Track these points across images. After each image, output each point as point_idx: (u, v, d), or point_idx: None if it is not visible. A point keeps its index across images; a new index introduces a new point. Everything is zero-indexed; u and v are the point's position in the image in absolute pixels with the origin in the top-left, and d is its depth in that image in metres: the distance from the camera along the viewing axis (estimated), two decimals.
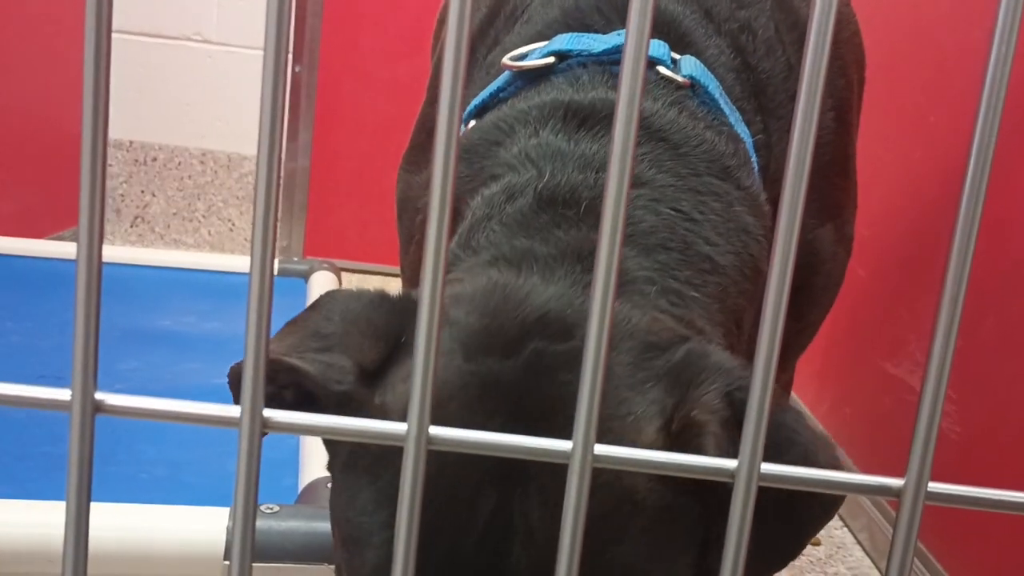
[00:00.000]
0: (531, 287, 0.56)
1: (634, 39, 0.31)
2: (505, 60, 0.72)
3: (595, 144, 0.64)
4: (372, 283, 2.34)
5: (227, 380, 0.62)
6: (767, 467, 0.38)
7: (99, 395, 0.37)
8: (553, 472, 0.50)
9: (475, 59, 0.80)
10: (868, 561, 1.39)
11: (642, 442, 0.52)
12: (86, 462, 0.37)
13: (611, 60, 0.69)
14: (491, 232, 0.61)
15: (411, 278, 0.93)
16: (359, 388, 0.55)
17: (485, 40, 0.80)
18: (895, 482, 0.38)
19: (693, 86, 0.70)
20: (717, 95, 0.71)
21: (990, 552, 1.14)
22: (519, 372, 0.52)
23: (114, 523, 0.74)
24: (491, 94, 0.72)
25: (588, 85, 0.67)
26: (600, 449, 0.38)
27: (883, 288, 1.44)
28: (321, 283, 1.48)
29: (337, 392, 0.55)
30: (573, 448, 0.37)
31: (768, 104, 0.76)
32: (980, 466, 1.15)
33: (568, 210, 0.61)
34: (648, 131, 0.65)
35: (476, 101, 0.72)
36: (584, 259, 0.58)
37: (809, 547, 1.42)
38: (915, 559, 1.33)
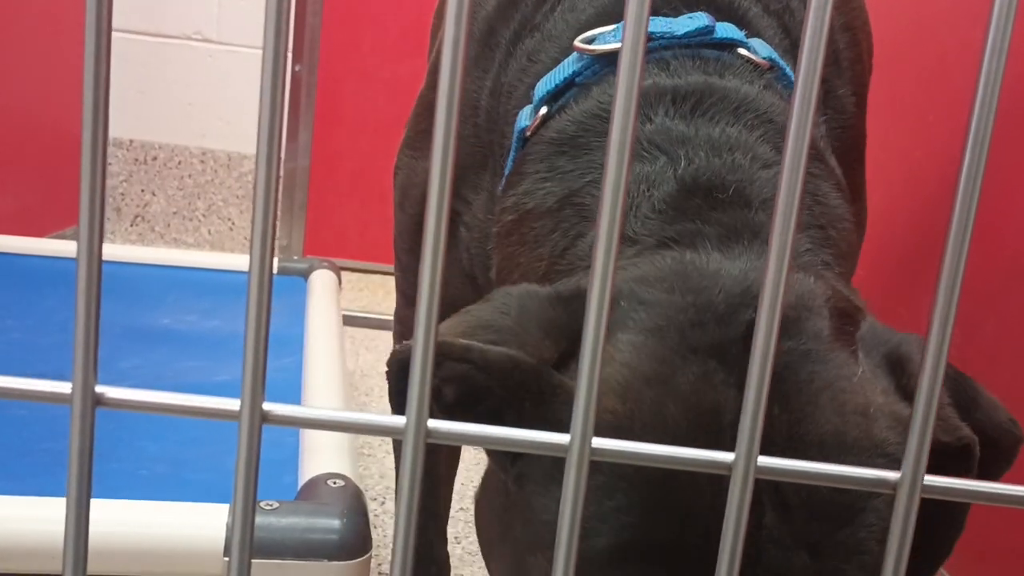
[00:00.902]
0: (719, 263, 0.54)
1: (632, 30, 0.31)
2: (577, 43, 0.69)
3: (716, 128, 0.62)
4: (372, 282, 2.35)
5: (385, 371, 0.56)
6: (764, 460, 0.38)
7: (99, 388, 0.37)
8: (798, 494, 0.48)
9: (495, 42, 0.78)
10: None
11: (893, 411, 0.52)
12: (87, 455, 0.38)
13: (696, 43, 0.67)
14: (644, 220, 0.58)
15: (409, 264, 0.91)
16: (547, 372, 0.51)
17: (508, 23, 0.77)
18: (892, 475, 0.38)
19: (772, 67, 0.69)
20: (792, 77, 0.71)
21: (987, 546, 1.14)
22: (740, 343, 0.50)
23: (115, 519, 0.74)
24: (566, 79, 0.68)
25: (682, 69, 0.66)
26: (598, 442, 0.38)
27: (882, 286, 1.45)
28: (321, 282, 1.48)
29: (518, 381, 0.50)
30: (571, 441, 0.37)
31: None
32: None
33: (720, 193, 0.59)
34: (756, 113, 0.64)
35: (548, 87, 0.69)
36: (759, 234, 0.56)
37: None
38: None
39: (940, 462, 0.53)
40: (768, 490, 0.48)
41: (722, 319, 0.51)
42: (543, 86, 0.69)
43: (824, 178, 0.66)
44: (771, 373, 0.43)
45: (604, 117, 0.64)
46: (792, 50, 0.74)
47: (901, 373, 0.55)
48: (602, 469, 0.48)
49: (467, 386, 0.51)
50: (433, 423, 0.38)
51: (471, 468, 1.41)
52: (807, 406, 0.50)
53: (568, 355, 0.52)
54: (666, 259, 0.55)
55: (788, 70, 0.69)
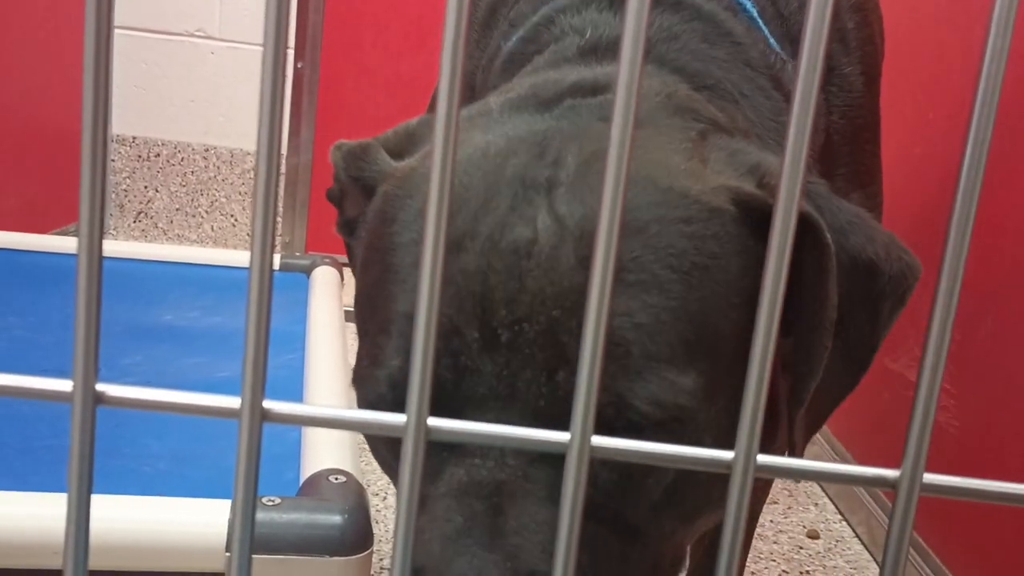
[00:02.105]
0: (574, 71, 0.66)
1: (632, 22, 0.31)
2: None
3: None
4: None
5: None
6: (763, 458, 0.38)
7: (100, 386, 0.37)
8: (587, 176, 0.55)
9: (495, 21, 0.86)
10: (867, 555, 1.40)
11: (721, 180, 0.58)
12: (87, 454, 0.38)
13: None
14: (533, 72, 0.71)
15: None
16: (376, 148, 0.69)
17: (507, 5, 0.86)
18: (891, 473, 0.38)
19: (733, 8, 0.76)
20: (756, 16, 0.77)
21: (987, 545, 1.14)
22: (550, 120, 0.60)
23: (117, 515, 0.74)
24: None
25: None
26: (598, 440, 0.38)
27: None
28: (323, 278, 1.48)
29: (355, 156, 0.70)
30: (571, 439, 0.37)
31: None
32: (978, 460, 1.15)
33: (609, 53, 0.70)
34: (691, 10, 0.73)
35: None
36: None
37: (808, 541, 1.42)
38: (913, 552, 1.33)
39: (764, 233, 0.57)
40: (551, 218, 0.54)
41: (543, 104, 0.62)
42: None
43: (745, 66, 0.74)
44: (575, 144, 0.56)
45: (549, 18, 0.76)
46: (777, 18, 0.79)
47: (760, 176, 0.59)
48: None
49: (338, 184, 0.71)
50: (433, 421, 0.38)
51: None
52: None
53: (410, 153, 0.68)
54: (531, 78, 0.68)
55: (751, 8, 0.76)
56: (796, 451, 0.61)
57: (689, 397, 0.53)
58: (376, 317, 0.57)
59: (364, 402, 0.56)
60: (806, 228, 0.57)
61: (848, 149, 0.86)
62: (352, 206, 0.73)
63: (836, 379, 0.61)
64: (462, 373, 0.52)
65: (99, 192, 0.35)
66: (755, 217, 0.57)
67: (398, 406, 0.53)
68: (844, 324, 0.59)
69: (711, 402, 0.55)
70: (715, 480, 0.57)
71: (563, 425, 0.50)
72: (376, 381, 0.55)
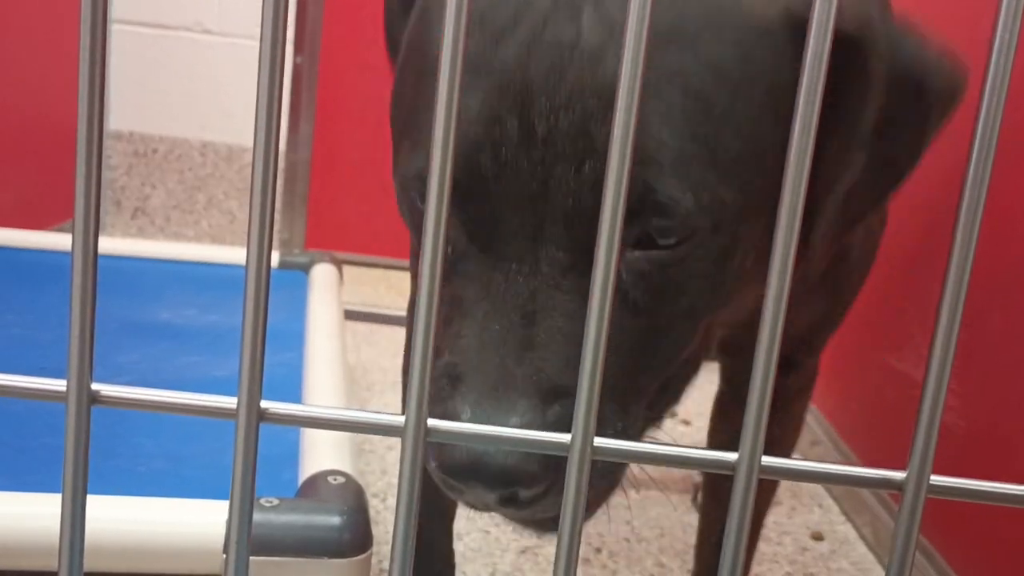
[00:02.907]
0: None
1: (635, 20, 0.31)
2: None
3: None
4: (374, 276, 2.35)
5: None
6: (768, 460, 0.38)
7: (95, 386, 0.37)
8: None
9: None
10: (872, 557, 1.39)
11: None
12: (82, 454, 0.37)
13: None
14: None
15: None
16: None
17: None
18: (897, 475, 0.38)
19: None
20: None
21: (994, 546, 1.14)
22: None
23: (113, 516, 0.74)
24: None
25: None
26: (600, 442, 0.37)
27: (888, 282, 1.44)
28: (322, 276, 1.47)
29: None
30: (572, 439, 0.37)
31: None
32: (985, 459, 1.15)
33: None
34: None
35: None
36: None
37: (812, 542, 1.42)
38: (918, 554, 1.33)
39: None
40: (601, 14, 0.53)
41: None
42: None
43: None
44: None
45: None
46: None
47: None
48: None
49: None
50: (432, 422, 0.37)
51: None
52: None
53: None
54: None
55: None
56: (819, 237, 0.62)
57: (728, 210, 0.54)
58: (413, 112, 0.60)
59: (405, 182, 0.60)
60: (853, 41, 0.57)
61: None
62: (399, 24, 0.74)
63: (871, 187, 0.63)
64: (502, 167, 0.53)
65: (94, 191, 0.34)
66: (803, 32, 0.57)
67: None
68: (886, 134, 0.60)
69: (754, 219, 0.56)
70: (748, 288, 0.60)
71: (587, 226, 0.53)
72: (417, 161, 0.58)
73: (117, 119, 2.42)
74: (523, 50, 0.53)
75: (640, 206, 0.53)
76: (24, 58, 2.01)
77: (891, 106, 0.59)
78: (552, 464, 0.52)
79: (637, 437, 0.59)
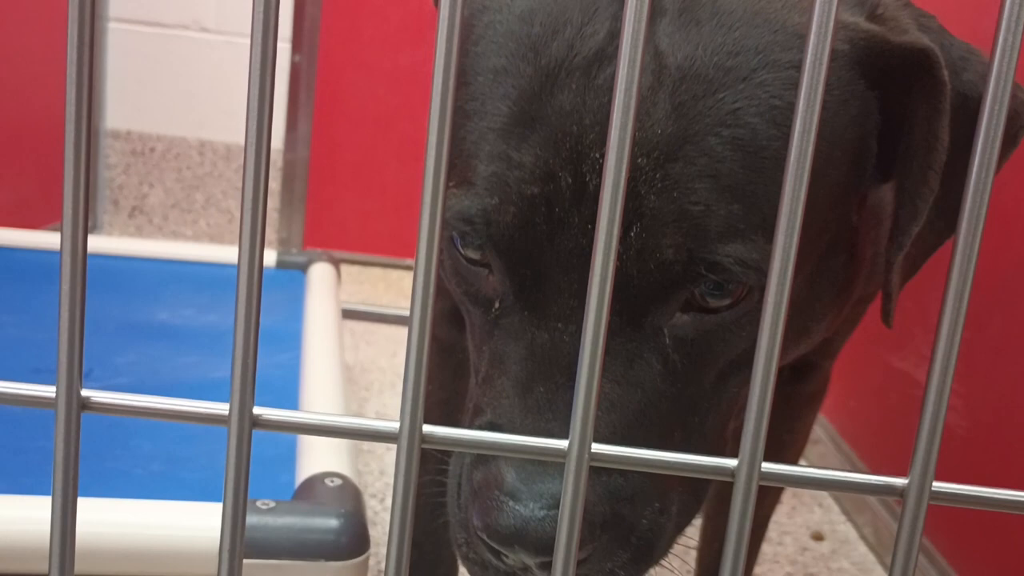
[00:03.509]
0: None
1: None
2: None
3: None
4: (372, 275, 2.34)
5: None
6: (768, 466, 0.37)
7: (85, 392, 0.36)
8: (694, 6, 0.51)
9: None
10: (872, 557, 1.39)
11: None
12: (72, 461, 0.37)
13: None
14: None
15: None
16: None
17: None
18: (899, 481, 0.37)
19: None
20: None
21: (997, 549, 1.13)
22: None
23: (109, 519, 0.73)
24: None
25: None
26: (597, 448, 0.37)
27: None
28: (320, 275, 1.47)
29: None
30: (569, 446, 0.36)
31: None
32: (986, 461, 1.15)
33: None
34: None
35: None
36: None
37: (813, 543, 1.41)
38: (920, 555, 1.32)
39: (889, 77, 0.54)
40: (650, 54, 0.51)
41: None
42: None
43: None
44: None
45: None
46: None
47: (872, 7, 0.56)
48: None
49: None
50: (428, 428, 0.37)
51: None
52: None
53: None
54: None
55: None
56: (892, 299, 0.59)
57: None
58: (458, 135, 0.56)
59: (455, 225, 0.54)
60: (921, 63, 0.54)
61: None
62: None
63: (935, 226, 0.58)
64: (556, 225, 0.51)
65: (82, 194, 0.33)
66: (869, 58, 0.54)
67: (489, 237, 0.54)
68: (951, 167, 0.56)
69: (799, 271, 0.53)
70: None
71: (633, 291, 0.52)
72: (467, 211, 0.53)
73: (114, 118, 2.41)
74: (578, 97, 0.51)
75: (684, 275, 0.51)
76: (18, 58, 2.01)
77: (954, 134, 0.55)
78: (598, 526, 0.51)
79: (672, 522, 0.57)
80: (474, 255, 0.55)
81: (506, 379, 0.53)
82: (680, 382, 0.54)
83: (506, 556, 0.51)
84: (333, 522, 0.75)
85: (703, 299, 0.52)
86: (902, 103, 0.55)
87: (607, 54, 0.51)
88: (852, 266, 0.63)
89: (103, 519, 0.73)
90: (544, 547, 0.49)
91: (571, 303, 0.52)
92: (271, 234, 2.23)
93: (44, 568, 0.71)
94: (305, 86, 2.26)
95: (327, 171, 2.34)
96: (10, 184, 2.02)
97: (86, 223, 0.34)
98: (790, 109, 0.51)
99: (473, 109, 0.54)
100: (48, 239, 1.51)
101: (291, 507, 0.76)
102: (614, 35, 0.51)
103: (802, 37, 0.52)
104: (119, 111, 2.40)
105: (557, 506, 0.44)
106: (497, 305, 0.55)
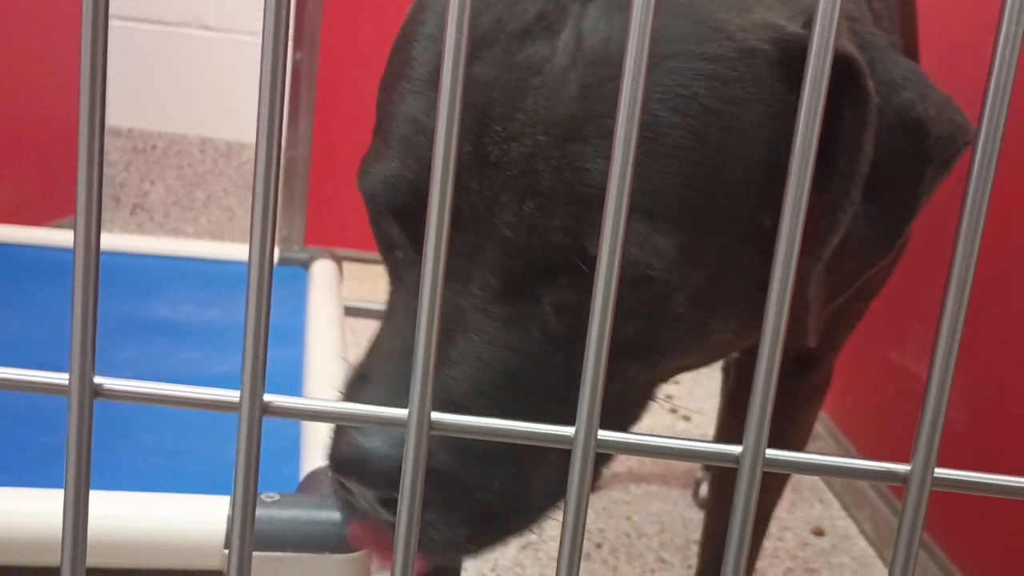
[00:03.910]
0: None
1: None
2: None
3: None
4: (374, 272, 2.34)
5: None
6: (772, 453, 0.37)
7: (98, 379, 0.37)
8: None
9: None
10: (872, 551, 1.39)
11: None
12: (85, 447, 0.37)
13: None
14: None
15: None
16: None
17: None
18: (902, 468, 0.37)
19: None
20: None
21: (995, 541, 1.14)
22: None
23: (113, 512, 0.74)
24: None
25: None
26: (604, 435, 0.37)
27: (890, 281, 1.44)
28: (322, 272, 1.47)
29: None
30: (576, 433, 0.37)
31: None
32: (985, 451, 1.15)
33: None
34: None
35: None
36: None
37: (813, 537, 1.42)
38: (920, 551, 1.32)
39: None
40: (573, 36, 0.52)
41: None
42: None
43: None
44: None
45: None
46: None
47: (812, 15, 0.57)
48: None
49: None
50: (436, 415, 0.37)
51: None
52: None
53: None
54: None
55: None
56: (810, 313, 0.58)
57: (663, 260, 0.51)
58: (388, 108, 0.59)
59: (364, 195, 0.58)
60: (848, 74, 0.54)
61: None
62: None
63: (866, 244, 0.58)
64: (454, 189, 0.52)
65: (96, 186, 0.34)
66: (794, 61, 0.53)
67: (389, 206, 0.56)
68: (882, 185, 0.56)
69: (695, 265, 0.53)
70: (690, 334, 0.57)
71: (521, 261, 0.52)
72: (374, 178, 0.56)
73: (116, 115, 2.42)
74: (492, 71, 0.52)
75: (568, 258, 0.51)
76: (21, 55, 2.01)
77: (887, 153, 0.55)
78: (440, 474, 0.51)
79: (538, 496, 0.57)
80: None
81: (388, 326, 0.56)
82: (562, 352, 0.54)
83: (354, 496, 0.52)
84: (338, 514, 0.75)
85: (589, 269, 0.52)
86: (828, 113, 0.55)
87: (532, 32, 0.52)
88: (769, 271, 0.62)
89: (108, 511, 0.73)
90: (379, 482, 0.50)
91: (460, 263, 0.53)
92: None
93: (48, 560, 0.71)
94: (306, 83, 2.26)
95: (329, 169, 2.35)
96: (11, 182, 2.02)
97: (99, 211, 0.34)
98: (695, 99, 0.51)
99: (404, 73, 0.57)
100: (50, 236, 1.51)
101: (295, 499, 0.76)
102: (542, 15, 0.52)
103: (723, 31, 0.52)
104: (120, 108, 2.41)
105: (402, 446, 0.42)
106: (401, 256, 0.57)
